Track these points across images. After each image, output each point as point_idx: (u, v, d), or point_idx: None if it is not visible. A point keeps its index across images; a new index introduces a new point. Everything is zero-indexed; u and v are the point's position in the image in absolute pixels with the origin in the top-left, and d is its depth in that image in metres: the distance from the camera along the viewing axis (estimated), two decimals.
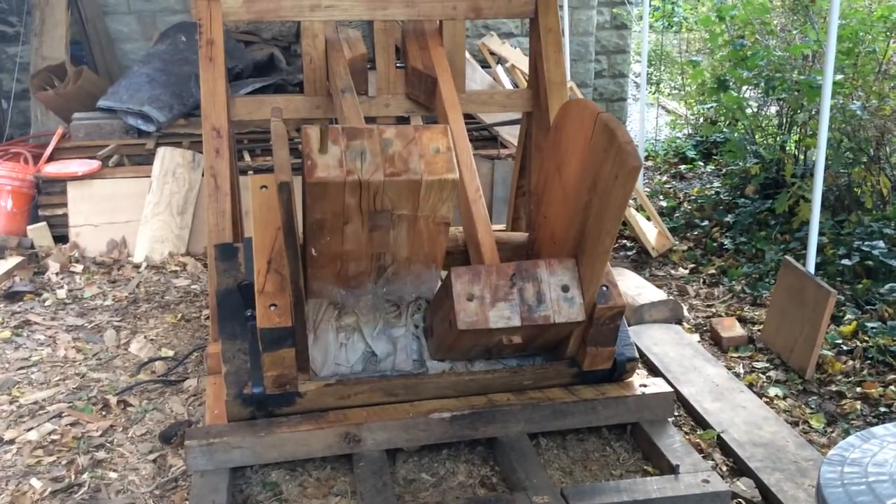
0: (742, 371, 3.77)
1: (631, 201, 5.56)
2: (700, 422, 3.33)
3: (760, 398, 3.47)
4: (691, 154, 7.26)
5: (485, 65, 6.51)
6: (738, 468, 3.05)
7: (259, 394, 2.89)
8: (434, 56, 3.91)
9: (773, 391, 3.57)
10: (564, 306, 2.82)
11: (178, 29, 6.07)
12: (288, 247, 2.61)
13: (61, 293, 4.60)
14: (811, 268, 3.86)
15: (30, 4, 6.20)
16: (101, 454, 3.15)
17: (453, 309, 2.75)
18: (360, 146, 2.56)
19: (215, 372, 3.25)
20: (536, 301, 2.80)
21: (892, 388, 3.50)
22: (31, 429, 3.29)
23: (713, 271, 4.90)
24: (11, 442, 3.22)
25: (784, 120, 5.82)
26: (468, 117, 5.63)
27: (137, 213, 5.18)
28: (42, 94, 5.73)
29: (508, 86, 6.10)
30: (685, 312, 4.33)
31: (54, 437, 3.25)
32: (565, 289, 2.83)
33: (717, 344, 4.04)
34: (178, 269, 4.98)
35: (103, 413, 3.44)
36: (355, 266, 2.90)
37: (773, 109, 6.04)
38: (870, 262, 4.33)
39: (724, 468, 3.06)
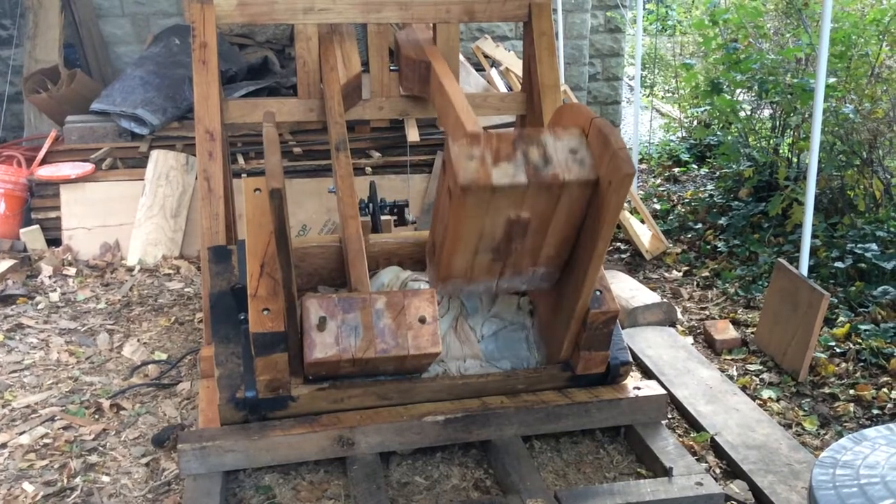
0: (735, 373, 3.77)
1: (625, 204, 5.57)
2: (693, 424, 3.34)
3: (754, 401, 3.48)
4: (685, 157, 7.28)
5: (479, 68, 6.52)
6: (732, 470, 3.05)
7: (252, 398, 2.89)
8: (428, 51, 3.92)
9: (766, 393, 3.57)
10: (574, 166, 2.59)
11: (171, 32, 6.06)
12: (280, 252, 2.62)
13: (54, 296, 4.58)
14: (804, 270, 3.87)
15: (23, 7, 6.18)
16: (93, 458, 3.14)
17: (453, 167, 2.53)
18: (354, 321, 2.84)
19: (208, 375, 3.24)
20: (543, 161, 2.58)
21: (884, 390, 3.51)
22: (24, 432, 3.28)
23: (707, 274, 4.90)
24: (4, 446, 3.20)
25: (777, 123, 5.83)
26: None
27: (131, 216, 5.17)
28: (35, 97, 5.71)
29: (503, 89, 6.10)
30: (679, 315, 4.34)
31: (47, 440, 3.24)
32: (574, 151, 2.63)
33: (710, 346, 4.04)
34: (171, 272, 4.97)
35: (96, 417, 3.43)
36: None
37: (767, 112, 6.06)
38: (863, 265, 4.34)
39: (718, 470, 3.06)
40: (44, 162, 5.39)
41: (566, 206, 2.67)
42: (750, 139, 5.88)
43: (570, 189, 2.60)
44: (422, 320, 2.87)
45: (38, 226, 5.21)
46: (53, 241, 5.20)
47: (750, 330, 4.16)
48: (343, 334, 2.82)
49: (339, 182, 3.48)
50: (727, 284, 4.70)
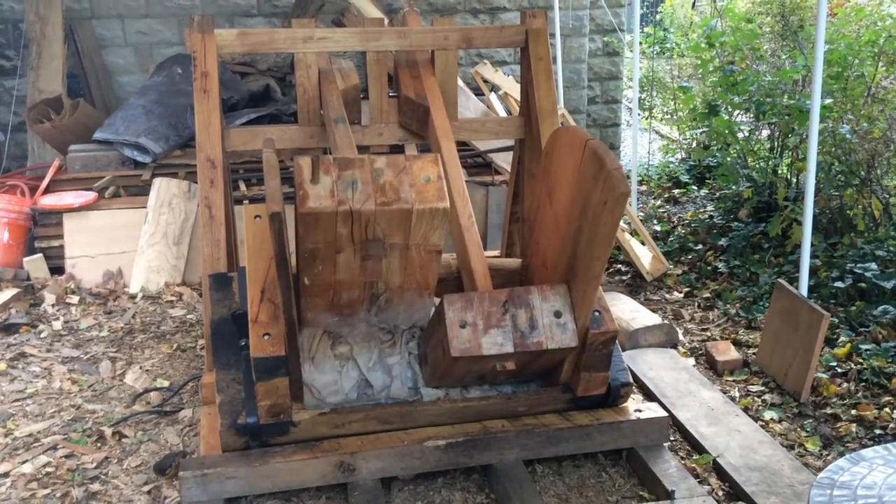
0: (737, 395, 3.77)
1: (625, 225, 5.58)
2: (696, 446, 3.33)
3: (756, 422, 3.47)
4: (685, 178, 7.31)
5: (478, 92, 6.57)
6: (734, 492, 3.04)
7: (253, 423, 2.89)
8: (426, 85, 3.96)
9: (768, 414, 3.57)
10: (557, 332, 2.83)
11: (173, 61, 6.13)
12: (280, 276, 2.63)
13: (57, 325, 4.60)
14: (804, 291, 3.88)
15: (27, 38, 6.26)
16: (95, 486, 3.14)
17: (446, 336, 2.76)
18: (351, 176, 2.59)
19: (210, 402, 3.25)
20: (529, 327, 2.82)
21: (886, 410, 3.51)
22: (26, 461, 3.28)
23: (707, 295, 4.91)
24: (6, 475, 3.21)
25: (776, 144, 5.86)
26: (462, 144, 5.67)
27: (133, 244, 5.20)
28: (39, 127, 5.77)
29: (502, 113, 6.15)
30: (680, 336, 4.34)
31: (49, 469, 3.24)
32: (557, 314, 2.84)
33: (712, 368, 4.04)
34: (173, 299, 4.99)
35: (98, 445, 3.43)
36: (348, 294, 2.91)
37: (765, 133, 6.09)
38: (863, 284, 4.35)
39: (720, 493, 3.05)
40: (47, 191, 5.43)
41: (546, 360, 2.99)
42: (749, 160, 5.91)
43: (552, 353, 2.88)
44: (426, 179, 2.66)
45: (41, 254, 5.23)
46: (56, 270, 5.22)
47: (751, 351, 4.15)
48: (339, 187, 2.57)
49: (336, 153, 3.53)
50: (728, 305, 4.71)
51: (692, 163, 7.57)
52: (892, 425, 3.41)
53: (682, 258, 5.50)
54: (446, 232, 2.83)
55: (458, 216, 3.38)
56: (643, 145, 8.17)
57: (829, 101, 4.73)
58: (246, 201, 5.28)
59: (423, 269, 2.86)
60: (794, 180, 5.50)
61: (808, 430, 3.46)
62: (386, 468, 2.97)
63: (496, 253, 4.71)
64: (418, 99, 3.90)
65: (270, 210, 2.51)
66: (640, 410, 3.23)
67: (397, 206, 2.59)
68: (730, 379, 3.93)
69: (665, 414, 3.26)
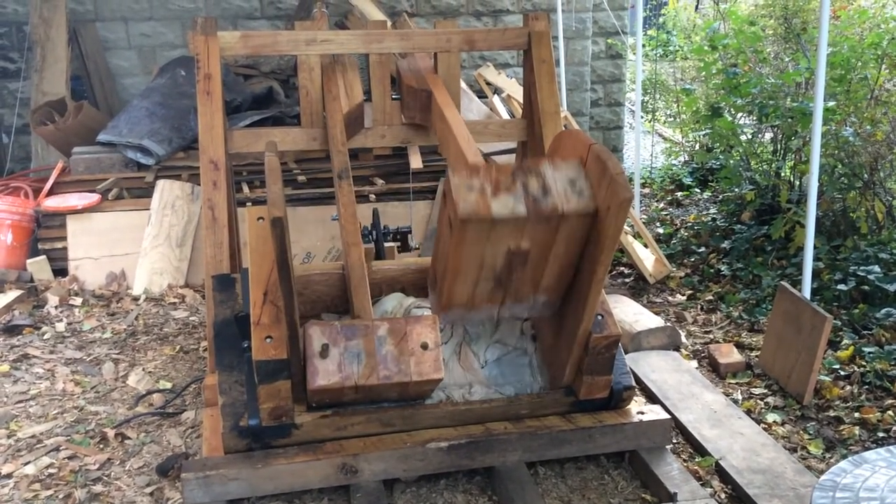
0: (740, 397, 3.77)
1: (628, 228, 5.58)
2: (698, 449, 3.33)
3: (759, 424, 3.47)
4: (688, 181, 7.30)
5: (482, 95, 6.57)
6: (737, 495, 3.04)
7: (255, 426, 2.89)
8: (429, 79, 3.97)
9: (771, 417, 3.56)
10: (573, 197, 2.63)
11: (177, 63, 6.14)
12: (282, 280, 2.64)
13: (60, 326, 4.61)
14: (807, 293, 3.88)
15: (31, 41, 6.27)
16: (98, 487, 3.14)
17: (452, 199, 2.56)
18: (356, 347, 2.85)
19: (212, 404, 3.25)
20: (542, 192, 2.61)
21: (889, 412, 3.50)
22: (29, 463, 3.29)
23: (710, 297, 4.90)
24: (9, 476, 3.21)
25: (778, 146, 5.86)
26: None
27: (137, 246, 5.21)
28: (42, 129, 5.78)
29: (505, 115, 6.15)
30: (683, 339, 4.33)
31: (52, 470, 3.25)
32: (572, 182, 2.66)
33: (714, 370, 4.04)
34: (176, 300, 4.99)
35: (101, 446, 3.44)
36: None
37: (768, 136, 6.09)
38: (866, 287, 4.34)
39: (723, 495, 3.05)
40: (51, 193, 5.44)
41: (565, 237, 2.70)
42: (752, 163, 5.91)
43: (569, 220, 2.64)
44: (424, 346, 2.88)
45: (44, 256, 5.24)
46: (60, 272, 5.23)
47: (754, 353, 4.15)
48: (346, 361, 2.83)
49: (341, 210, 3.51)
50: (731, 308, 4.70)
51: (695, 165, 7.56)
52: (895, 428, 3.40)
53: (685, 261, 5.50)
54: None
55: (441, 105, 3.57)
56: (646, 148, 8.17)
57: (832, 103, 4.73)
58: (249, 203, 5.28)
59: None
60: (797, 183, 5.50)
61: (811, 432, 3.46)
62: (388, 470, 2.97)
63: None
64: (420, 85, 3.91)
65: (272, 215, 2.52)
66: (642, 413, 3.23)
67: (397, 380, 2.85)
68: (732, 381, 3.92)
69: (668, 416, 3.26)
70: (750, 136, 5.92)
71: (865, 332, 4.12)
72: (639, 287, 5.14)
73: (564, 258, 2.79)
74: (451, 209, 2.60)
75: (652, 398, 3.72)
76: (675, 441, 3.39)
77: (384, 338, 2.88)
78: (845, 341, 4.04)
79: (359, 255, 3.33)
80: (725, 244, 5.47)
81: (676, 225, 6.25)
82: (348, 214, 3.48)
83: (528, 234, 2.64)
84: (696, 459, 3.26)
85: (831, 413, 3.57)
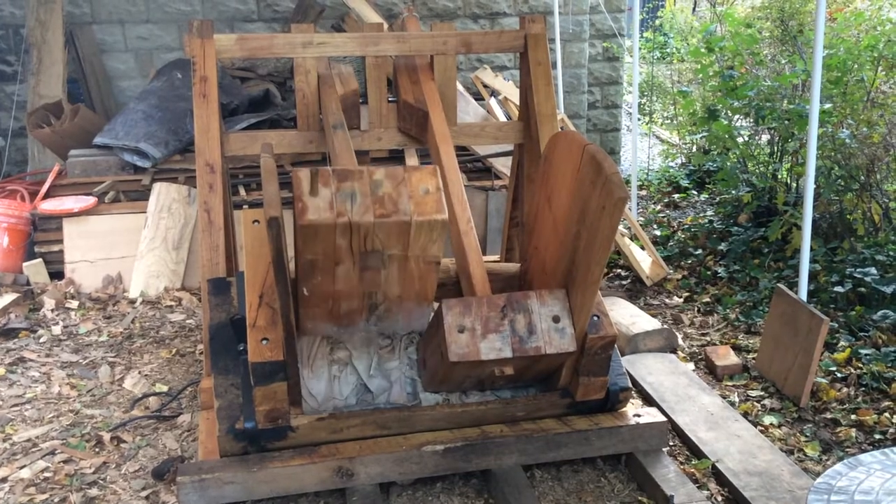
0: (737, 399, 3.76)
1: (625, 230, 5.58)
2: (695, 451, 3.32)
3: (755, 427, 3.47)
4: (685, 183, 7.30)
5: (478, 97, 6.58)
6: (734, 498, 3.03)
7: (251, 428, 2.88)
8: (425, 90, 3.96)
9: (767, 419, 3.56)
10: (555, 337, 2.83)
11: (173, 66, 6.14)
12: (278, 282, 2.63)
13: (56, 329, 4.60)
14: (803, 295, 3.88)
15: (27, 43, 6.27)
16: (93, 491, 3.13)
17: (444, 341, 2.76)
18: (350, 188, 2.61)
19: (208, 407, 3.24)
20: (527, 332, 2.82)
21: (886, 414, 3.50)
22: (24, 466, 3.28)
23: (707, 300, 4.90)
24: (4, 480, 3.20)
25: (775, 148, 5.86)
26: (462, 149, 5.68)
27: (133, 249, 5.20)
28: (39, 132, 5.77)
29: (502, 117, 6.15)
30: (680, 341, 4.33)
31: (47, 474, 3.24)
32: (556, 319, 2.84)
33: (711, 372, 4.04)
34: (173, 303, 4.98)
35: (96, 450, 3.43)
36: (347, 304, 2.91)
37: (765, 138, 6.09)
38: (862, 289, 4.34)
39: (720, 498, 3.05)
40: (47, 196, 5.43)
41: (544, 365, 2.99)
42: (748, 165, 5.92)
43: (550, 358, 2.87)
44: (425, 191, 2.67)
45: (41, 259, 5.23)
46: (56, 275, 5.22)
47: (751, 356, 4.15)
48: (338, 199, 2.59)
49: (335, 160, 3.52)
50: (728, 310, 4.70)
51: (692, 167, 7.56)
52: (891, 430, 3.40)
53: (682, 263, 5.50)
54: (446, 239, 2.84)
55: (458, 221, 3.38)
56: (643, 150, 8.17)
57: (828, 105, 4.74)
58: (245, 206, 5.28)
59: (422, 279, 2.87)
60: (794, 185, 5.50)
61: (808, 435, 3.46)
62: (384, 473, 2.97)
63: (496, 257, 4.71)
64: (417, 104, 3.91)
65: (268, 215, 2.51)
66: (639, 415, 3.22)
67: (396, 218, 2.61)
68: (729, 384, 3.92)
69: (664, 419, 3.25)
70: (747, 139, 5.92)
71: (862, 334, 4.12)
72: (636, 289, 5.14)
73: (543, 372, 3.10)
74: (443, 346, 2.79)
75: (649, 400, 3.72)
76: (671, 443, 3.39)
77: (380, 182, 2.64)
78: (842, 343, 4.04)
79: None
80: (722, 246, 5.47)
81: (673, 227, 6.25)
82: (344, 162, 3.49)
83: (511, 364, 2.87)
84: (693, 462, 3.26)
85: (828, 415, 3.57)
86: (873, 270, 4.33)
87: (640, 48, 7.17)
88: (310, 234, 2.59)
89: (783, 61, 5.80)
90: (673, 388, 3.78)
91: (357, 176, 2.63)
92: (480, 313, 2.81)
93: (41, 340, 4.48)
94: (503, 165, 5.64)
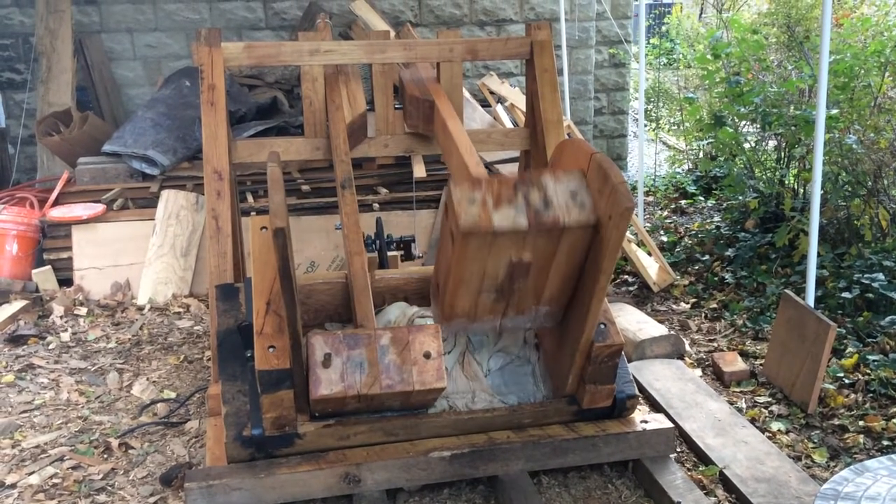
0: (744, 406, 3.76)
1: (632, 236, 5.58)
2: (702, 457, 3.32)
3: (763, 433, 3.46)
4: (691, 189, 7.30)
5: (485, 104, 6.59)
6: None
7: (258, 435, 2.90)
8: (431, 88, 3.98)
9: (775, 426, 3.55)
10: (574, 209, 2.64)
11: (182, 74, 6.17)
12: (284, 290, 2.65)
13: (65, 336, 4.62)
14: (811, 301, 3.87)
15: (37, 52, 6.32)
16: (101, 497, 3.15)
17: (454, 213, 2.57)
18: (359, 357, 2.85)
19: (216, 413, 3.26)
20: (543, 205, 2.62)
21: (894, 420, 3.49)
22: (33, 472, 3.30)
23: (714, 306, 4.90)
24: (13, 486, 3.22)
25: (782, 154, 5.85)
26: None
27: (141, 256, 5.22)
28: (48, 140, 5.81)
29: (508, 124, 6.16)
30: (687, 347, 4.33)
31: (56, 480, 3.25)
32: (574, 194, 2.67)
33: (719, 379, 4.03)
34: (181, 310, 5.01)
35: (105, 456, 3.45)
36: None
37: (771, 144, 6.09)
38: (870, 295, 4.33)
39: None
40: (56, 203, 5.46)
41: (567, 248, 2.71)
42: (755, 171, 5.91)
43: (571, 232, 2.65)
44: (427, 356, 2.88)
45: (49, 266, 5.26)
46: (65, 282, 5.25)
47: (758, 362, 4.14)
48: (348, 370, 2.83)
49: (344, 219, 3.52)
50: (735, 316, 4.69)
51: (699, 173, 7.56)
52: None
53: (689, 269, 5.49)
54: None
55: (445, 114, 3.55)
56: (650, 156, 8.17)
57: (835, 111, 4.73)
58: (253, 213, 5.30)
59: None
60: (801, 191, 5.49)
61: (816, 441, 3.45)
62: (391, 479, 2.97)
63: None
64: (423, 95, 3.92)
65: (274, 225, 2.52)
66: (646, 421, 3.22)
67: (400, 389, 2.85)
68: (737, 390, 3.91)
69: (671, 425, 3.25)
70: (753, 145, 5.92)
71: (870, 340, 4.11)
72: (643, 295, 5.13)
73: (566, 270, 2.80)
74: (452, 221, 2.61)
75: (656, 407, 3.71)
76: (678, 450, 3.38)
77: (387, 347, 2.88)
78: (850, 349, 4.03)
79: (362, 264, 3.33)
80: (729, 252, 5.46)
81: (680, 233, 6.24)
82: (351, 223, 3.49)
83: (529, 246, 2.65)
84: (700, 468, 3.25)
85: (836, 421, 3.56)
86: (881, 276, 4.32)
87: (646, 54, 7.18)
88: (323, 404, 2.89)
89: (789, 67, 5.79)
90: (680, 395, 3.77)
91: (366, 342, 2.88)
92: (492, 188, 2.60)
93: (50, 347, 4.51)
94: (510, 172, 5.65)
